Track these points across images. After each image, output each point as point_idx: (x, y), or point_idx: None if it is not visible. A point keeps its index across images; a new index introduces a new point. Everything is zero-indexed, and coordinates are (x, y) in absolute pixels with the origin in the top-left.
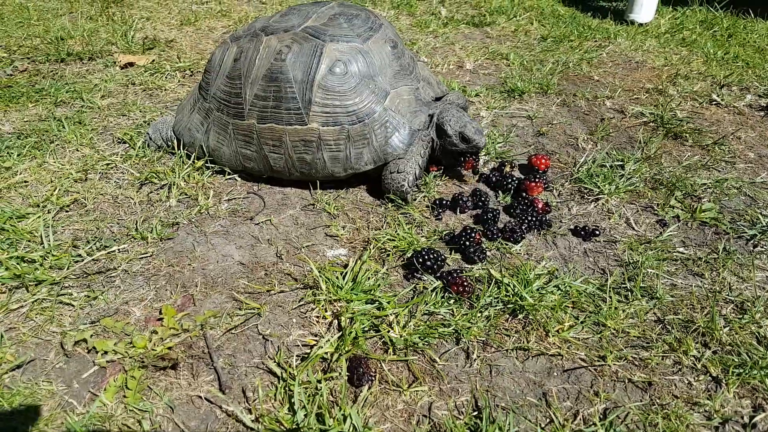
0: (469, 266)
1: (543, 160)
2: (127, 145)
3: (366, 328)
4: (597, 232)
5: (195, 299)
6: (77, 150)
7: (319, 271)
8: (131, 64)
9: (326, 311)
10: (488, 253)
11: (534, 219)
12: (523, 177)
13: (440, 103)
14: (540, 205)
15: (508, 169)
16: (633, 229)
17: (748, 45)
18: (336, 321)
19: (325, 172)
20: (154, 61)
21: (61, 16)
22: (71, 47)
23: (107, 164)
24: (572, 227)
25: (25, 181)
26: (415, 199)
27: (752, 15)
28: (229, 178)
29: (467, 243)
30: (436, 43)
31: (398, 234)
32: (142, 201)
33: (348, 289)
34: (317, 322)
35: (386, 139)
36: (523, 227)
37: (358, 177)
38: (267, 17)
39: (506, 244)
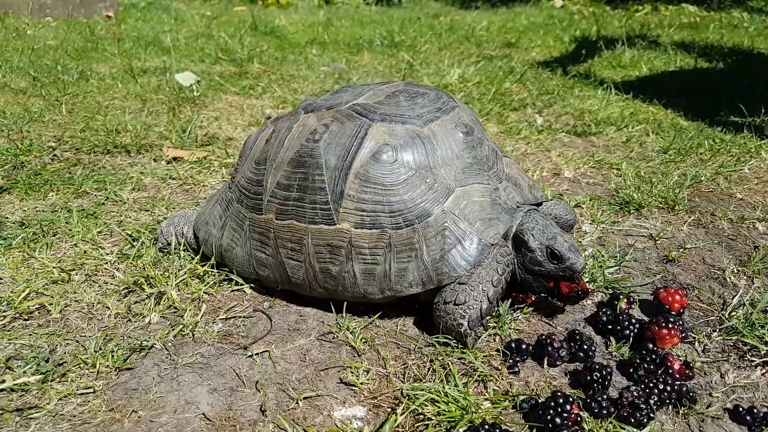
0: None
1: (677, 297)
2: (137, 243)
3: None
4: None
5: None
6: (75, 246)
7: None
8: (177, 159)
9: None
10: None
11: (668, 388)
12: (647, 319)
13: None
14: (676, 366)
15: (623, 305)
16: None
17: None
18: None
19: (355, 292)
20: (206, 156)
21: (130, 113)
22: (122, 140)
23: (98, 264)
24: (730, 406)
25: (0, 278)
26: (479, 337)
27: None
28: (237, 289)
29: (557, 421)
30: (527, 149)
31: (446, 393)
32: (119, 313)
33: None
34: None
35: (443, 252)
36: (652, 400)
37: (402, 299)
38: (319, 96)
39: (623, 428)
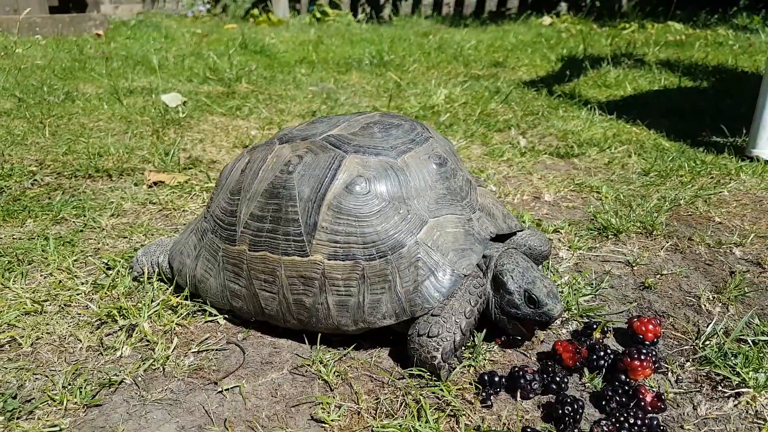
0: None
1: (651, 326)
2: (113, 272)
3: None
4: None
5: None
6: (51, 275)
7: None
8: (159, 183)
9: None
10: None
11: (638, 422)
12: (621, 350)
13: (503, 244)
14: (648, 398)
15: (598, 335)
16: None
17: None
18: None
19: (328, 323)
20: (188, 180)
21: (114, 136)
22: (104, 163)
23: (72, 294)
24: None
25: None
26: (454, 368)
27: None
28: (211, 320)
29: None
30: (509, 172)
31: (417, 430)
32: (91, 346)
33: None
34: None
35: (416, 284)
36: None
37: (377, 330)
38: (295, 126)
39: None
